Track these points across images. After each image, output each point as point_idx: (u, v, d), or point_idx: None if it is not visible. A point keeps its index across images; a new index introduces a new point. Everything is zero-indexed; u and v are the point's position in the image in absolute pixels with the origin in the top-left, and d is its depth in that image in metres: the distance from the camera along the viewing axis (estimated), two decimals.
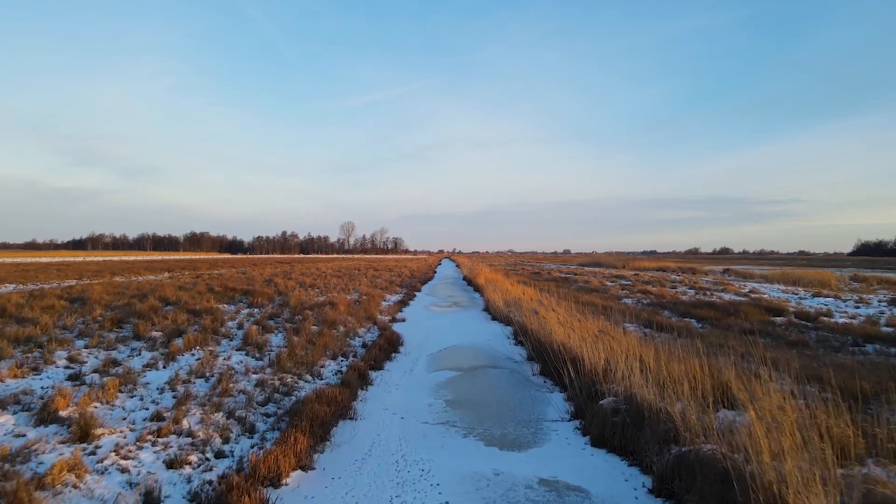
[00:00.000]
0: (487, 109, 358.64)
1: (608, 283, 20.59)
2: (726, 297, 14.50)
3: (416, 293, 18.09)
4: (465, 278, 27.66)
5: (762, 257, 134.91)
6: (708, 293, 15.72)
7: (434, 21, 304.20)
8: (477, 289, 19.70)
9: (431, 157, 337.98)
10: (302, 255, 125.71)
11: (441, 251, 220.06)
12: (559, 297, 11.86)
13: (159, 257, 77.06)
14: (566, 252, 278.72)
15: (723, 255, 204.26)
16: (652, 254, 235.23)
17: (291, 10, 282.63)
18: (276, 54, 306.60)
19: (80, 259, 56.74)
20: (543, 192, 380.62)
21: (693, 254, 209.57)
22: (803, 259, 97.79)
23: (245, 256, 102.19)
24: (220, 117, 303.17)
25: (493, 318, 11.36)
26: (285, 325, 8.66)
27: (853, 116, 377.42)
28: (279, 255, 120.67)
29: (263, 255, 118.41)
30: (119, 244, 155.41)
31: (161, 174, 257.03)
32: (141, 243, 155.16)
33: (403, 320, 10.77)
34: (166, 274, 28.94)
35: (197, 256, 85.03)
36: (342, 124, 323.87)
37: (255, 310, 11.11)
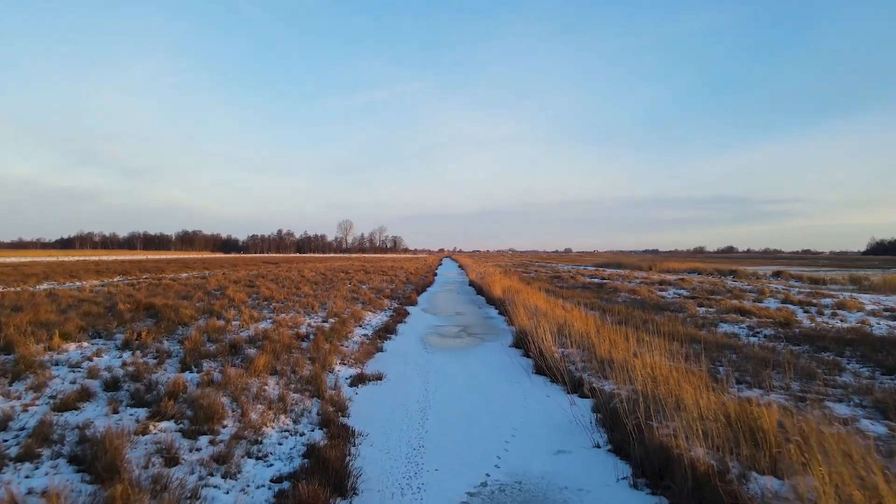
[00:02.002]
0: (489, 109, 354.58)
1: (663, 294, 15.78)
2: (873, 321, 9.69)
3: (411, 308, 13.30)
4: (471, 284, 22.84)
5: (768, 256, 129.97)
6: (831, 313, 10.92)
7: (436, 20, 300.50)
8: (491, 301, 14.90)
9: (433, 156, 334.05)
10: (296, 255, 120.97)
11: (441, 250, 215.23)
12: (627, 327, 7.09)
13: (143, 257, 72.26)
14: (567, 251, 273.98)
15: (728, 253, 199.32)
16: (654, 253, 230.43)
17: (292, 9, 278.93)
18: (277, 53, 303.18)
19: (43, 259, 51.83)
20: (544, 192, 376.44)
21: (699, 252, 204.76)
22: (814, 258, 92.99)
23: (234, 256, 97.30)
24: (221, 116, 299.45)
25: (538, 370, 6.53)
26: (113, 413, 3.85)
27: (855, 115, 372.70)
28: (271, 255, 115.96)
29: (254, 255, 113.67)
30: (109, 243, 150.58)
31: (161, 174, 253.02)
32: (131, 242, 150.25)
33: (379, 378, 5.95)
34: (117, 278, 24.31)
35: (179, 256, 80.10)
36: (344, 124, 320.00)
37: (124, 354, 6.32)
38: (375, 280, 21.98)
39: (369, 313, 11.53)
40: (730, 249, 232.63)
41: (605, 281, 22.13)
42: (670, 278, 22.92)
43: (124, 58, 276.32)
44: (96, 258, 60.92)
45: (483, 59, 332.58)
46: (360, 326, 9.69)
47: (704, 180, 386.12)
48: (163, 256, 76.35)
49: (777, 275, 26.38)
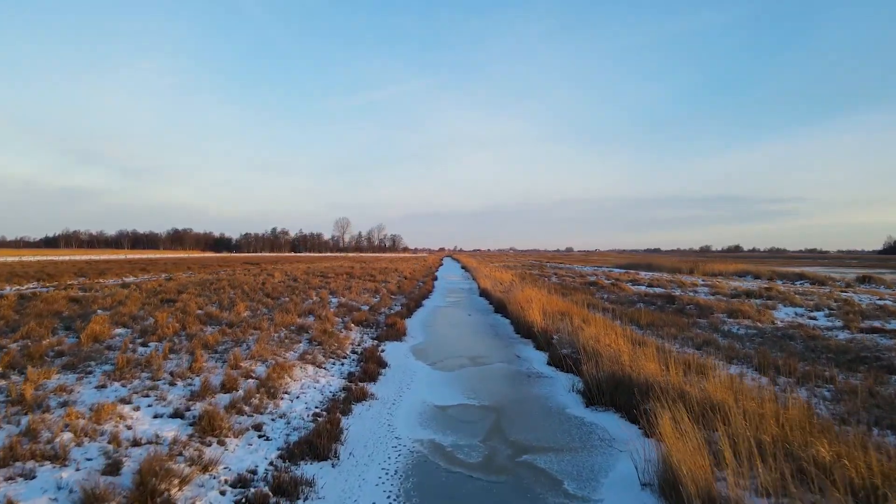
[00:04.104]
0: (489, 108, 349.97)
1: (784, 317, 10.29)
2: None
3: (393, 347, 7.82)
4: (483, 294, 17.34)
5: (776, 256, 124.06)
6: None
7: (436, 19, 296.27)
8: (522, 329, 9.40)
9: (433, 156, 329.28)
10: (287, 255, 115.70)
11: (442, 249, 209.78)
12: None
13: (113, 256, 66.65)
14: (569, 250, 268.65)
15: (734, 252, 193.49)
16: (656, 252, 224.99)
17: (293, 8, 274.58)
18: (277, 52, 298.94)
19: None
20: (545, 191, 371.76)
21: (705, 252, 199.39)
22: (837, 258, 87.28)
23: (218, 255, 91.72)
24: (221, 116, 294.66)
25: None
26: None
27: (855, 114, 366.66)
28: (258, 255, 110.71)
29: (241, 255, 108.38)
30: (96, 242, 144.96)
31: (161, 173, 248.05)
32: (118, 241, 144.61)
33: None
34: (30, 285, 19.14)
35: (153, 256, 74.30)
36: (344, 123, 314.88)
37: None
38: (355, 290, 16.45)
39: (308, 370, 6.00)
40: (736, 248, 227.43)
41: (662, 290, 16.61)
42: (747, 287, 17.36)
43: (125, 57, 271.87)
44: (62, 258, 55.31)
45: (483, 58, 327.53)
46: (256, 429, 4.13)
47: (705, 179, 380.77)
48: (137, 256, 70.70)
49: (866, 280, 20.86)
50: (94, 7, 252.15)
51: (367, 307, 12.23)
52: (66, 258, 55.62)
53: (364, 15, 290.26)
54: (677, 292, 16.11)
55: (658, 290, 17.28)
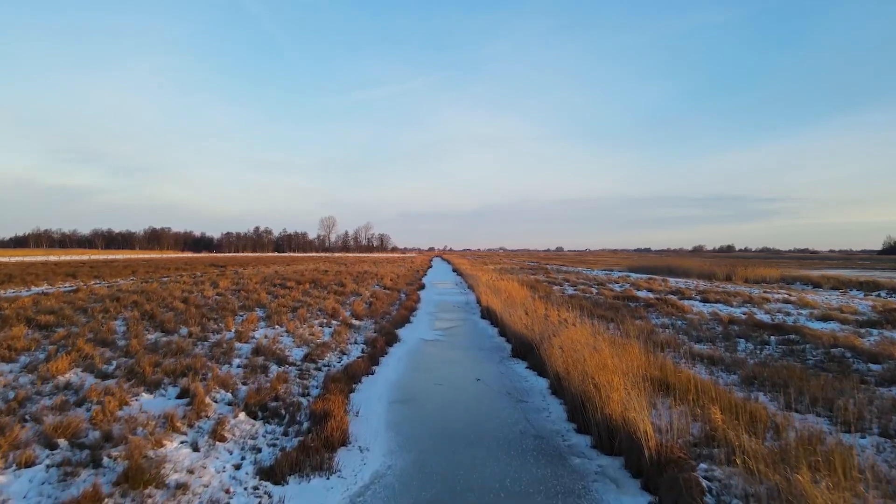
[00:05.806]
0: (488, 107, 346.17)
1: None
2: None
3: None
4: (487, 314, 12.47)
5: (771, 255, 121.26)
6: None
7: (436, 17, 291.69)
8: (595, 425, 4.55)
9: (430, 154, 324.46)
10: (268, 255, 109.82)
11: (432, 249, 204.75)
12: None
13: (74, 257, 60.61)
14: (559, 250, 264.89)
15: (728, 253, 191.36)
16: (646, 251, 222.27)
17: (292, 5, 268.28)
18: (276, 50, 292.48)
19: None
20: (540, 190, 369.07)
21: (699, 251, 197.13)
22: (822, 258, 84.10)
23: (189, 256, 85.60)
24: (220, 114, 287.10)
25: None
26: None
27: (853, 114, 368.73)
28: (232, 255, 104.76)
29: (217, 255, 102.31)
30: (68, 241, 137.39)
31: (159, 171, 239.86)
32: (92, 241, 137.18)
33: None
34: None
35: (110, 256, 67.99)
36: (342, 121, 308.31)
37: None
38: (305, 313, 11.50)
39: None
40: (729, 248, 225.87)
41: (742, 314, 11.97)
42: (853, 304, 12.78)
43: (126, 56, 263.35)
44: (7, 259, 49.27)
45: (484, 56, 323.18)
46: None
47: (702, 179, 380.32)
48: (100, 257, 64.58)
49: None
50: (94, 5, 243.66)
51: (302, 354, 7.29)
52: (15, 259, 49.66)
53: (364, 13, 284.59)
54: (762, 315, 11.49)
55: (729, 310, 12.61)
